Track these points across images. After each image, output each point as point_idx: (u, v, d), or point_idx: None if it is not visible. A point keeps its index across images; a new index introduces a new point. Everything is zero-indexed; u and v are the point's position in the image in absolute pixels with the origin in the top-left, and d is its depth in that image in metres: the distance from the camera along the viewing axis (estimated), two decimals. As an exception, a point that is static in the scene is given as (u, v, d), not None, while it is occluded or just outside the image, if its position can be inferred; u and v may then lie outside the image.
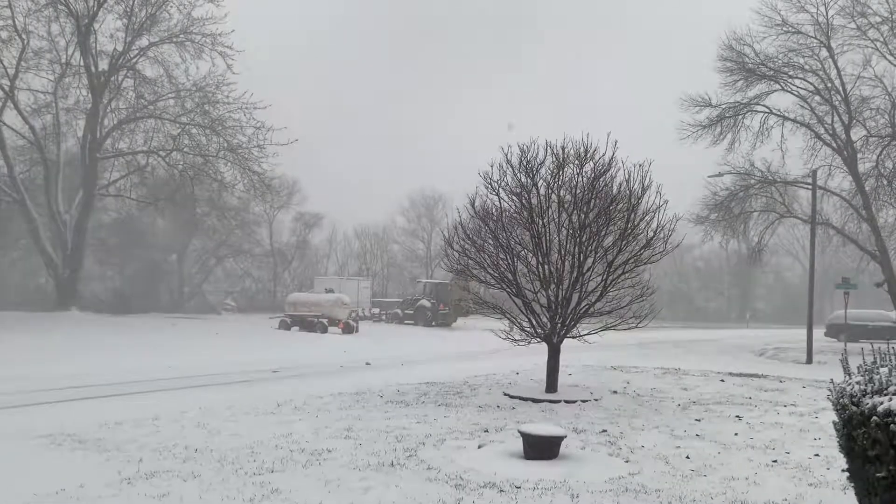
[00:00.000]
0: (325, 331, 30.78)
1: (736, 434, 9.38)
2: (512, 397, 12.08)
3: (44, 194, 34.68)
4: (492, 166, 12.51)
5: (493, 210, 12.61)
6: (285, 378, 15.16)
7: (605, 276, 12.31)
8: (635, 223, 12.14)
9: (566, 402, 11.67)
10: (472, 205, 12.77)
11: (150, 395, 12.13)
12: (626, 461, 7.62)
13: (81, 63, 34.38)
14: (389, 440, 8.34)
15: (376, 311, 46.43)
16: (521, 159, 12.36)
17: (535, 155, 12.27)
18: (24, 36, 32.50)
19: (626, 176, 12.15)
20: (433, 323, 40.50)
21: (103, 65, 34.81)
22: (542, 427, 7.77)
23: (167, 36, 34.87)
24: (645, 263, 12.51)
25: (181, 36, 34.60)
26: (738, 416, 10.84)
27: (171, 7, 34.34)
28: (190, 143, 36.31)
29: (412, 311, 41.90)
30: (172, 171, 37.20)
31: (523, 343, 12.91)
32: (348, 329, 31.52)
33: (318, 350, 23.17)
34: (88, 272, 41.41)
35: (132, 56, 34.98)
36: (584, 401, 11.83)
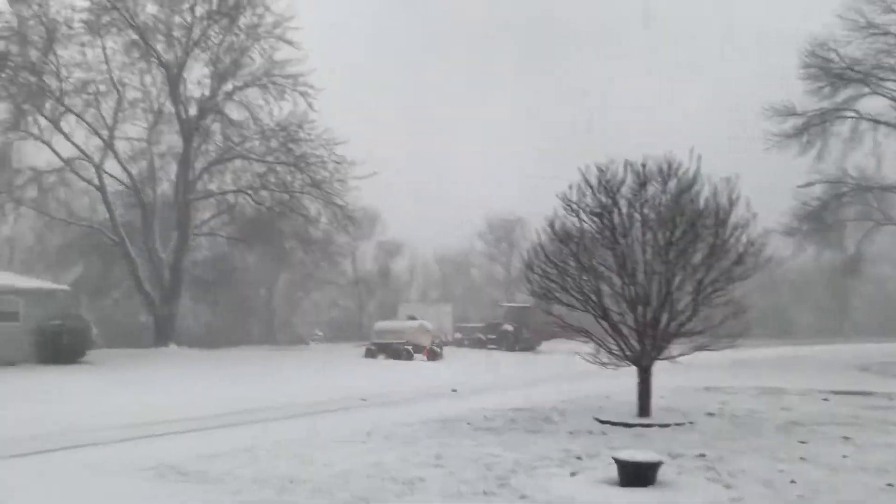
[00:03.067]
0: (410, 358, 30.98)
1: (845, 456, 8.85)
2: (603, 422, 11.81)
3: (142, 236, 36.58)
4: (570, 187, 12.41)
5: (574, 231, 12.48)
6: (373, 406, 15.32)
7: (694, 295, 11.95)
8: (724, 239, 11.76)
9: (660, 426, 11.32)
10: (552, 227, 12.68)
11: (245, 426, 12.46)
12: (727, 487, 7.30)
13: (172, 110, 36.42)
14: (480, 468, 8.28)
15: (459, 336, 46.42)
16: (599, 179, 12.21)
17: (614, 174, 12.11)
18: (120, 88, 34.79)
19: (713, 190, 11.82)
20: (516, 347, 40.16)
21: (192, 110, 36.73)
22: (638, 453, 7.56)
23: (251, 80, 36.52)
24: (737, 280, 12.08)
25: (264, 79, 36.19)
26: (845, 437, 10.24)
27: (254, 52, 36.07)
28: (276, 180, 37.69)
29: (495, 336, 41.70)
30: (260, 209, 38.59)
31: (612, 366, 12.64)
32: (433, 355, 31.62)
33: (404, 377, 23.33)
34: (184, 309, 43.24)
35: (219, 100, 36.76)
36: (678, 424, 11.45)
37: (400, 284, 69.50)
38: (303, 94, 35.61)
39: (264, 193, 38.13)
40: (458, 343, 44.96)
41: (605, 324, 12.45)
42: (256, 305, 54.53)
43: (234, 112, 37.93)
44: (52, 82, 32.81)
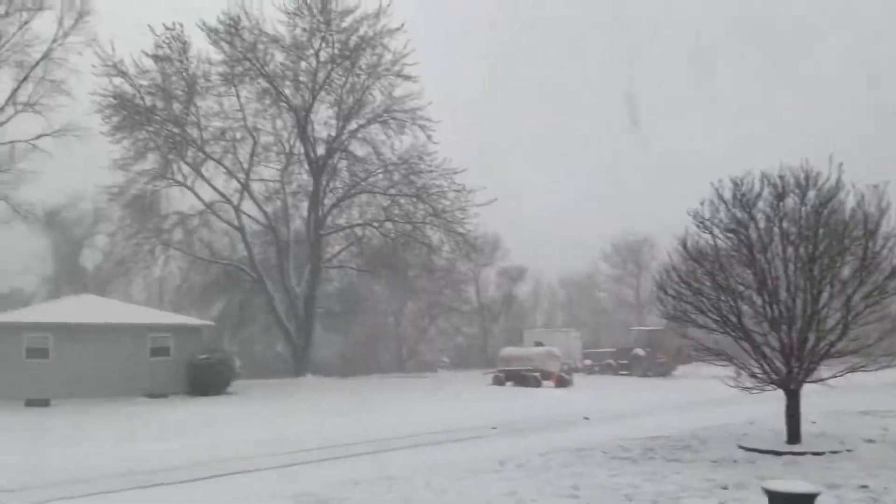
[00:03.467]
0: (538, 385, 30.60)
1: None
2: (749, 450, 11.11)
3: (278, 271, 38.52)
4: (702, 203, 11.90)
5: (708, 249, 11.94)
6: (504, 435, 15.20)
7: (844, 312, 11.07)
8: (876, 250, 10.86)
9: (813, 453, 10.50)
10: (684, 246, 12.19)
11: (380, 454, 12.70)
12: (898, 523, 6.65)
13: (302, 151, 38.46)
14: (619, 499, 7.99)
15: (588, 362, 45.42)
16: (734, 193, 11.65)
17: (749, 187, 11.51)
18: (254, 133, 37.22)
19: (859, 199, 10.97)
20: (649, 372, 38.75)
21: (320, 150, 38.61)
22: (791, 483, 7.03)
23: (373, 117, 37.97)
24: (892, 294, 11.09)
25: (385, 115, 37.51)
26: None
27: (374, 90, 37.50)
28: (399, 212, 38.79)
29: (626, 361, 40.49)
30: (385, 240, 39.74)
31: (755, 390, 11.90)
32: (562, 382, 31.07)
33: (533, 405, 23.05)
34: (318, 339, 44.99)
35: (344, 139, 38.42)
36: (833, 452, 10.58)
37: (524, 310, 69.06)
38: (422, 127, 36.67)
39: (389, 225, 39.27)
40: (588, 369, 44.02)
41: (746, 345, 11.76)
42: (385, 334, 55.89)
43: (359, 149, 39.68)
44: (194, 132, 35.53)
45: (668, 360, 37.96)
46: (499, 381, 32.56)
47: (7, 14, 33.59)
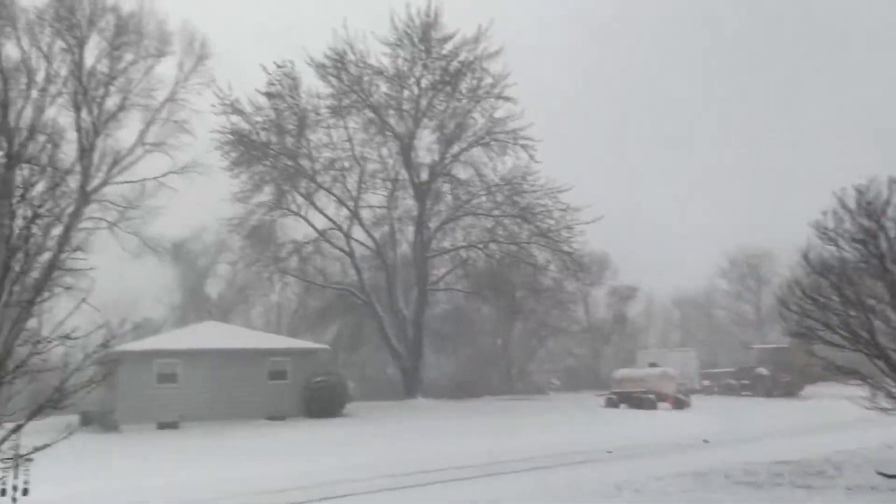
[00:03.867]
0: (653, 407, 29.60)
1: None
2: (889, 476, 10.26)
3: (386, 295, 39.33)
4: (824, 213, 11.22)
5: (833, 262, 11.22)
6: (619, 458, 14.77)
7: None
8: None
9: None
10: (806, 258, 11.51)
11: (494, 477, 12.62)
12: None
13: (406, 177, 39.29)
14: (744, 527, 7.57)
15: (707, 383, 43.54)
16: (859, 201, 10.91)
17: (877, 194, 10.75)
18: (361, 162, 38.47)
19: None
20: (774, 393, 36.67)
21: (424, 175, 39.27)
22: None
23: (474, 140, 38.30)
24: None
25: (486, 137, 37.77)
26: None
27: (475, 113, 37.86)
28: (504, 233, 38.78)
29: (748, 381, 38.55)
30: (491, 261, 39.77)
31: (894, 412, 11.01)
32: (679, 404, 29.89)
33: (649, 428, 22.31)
34: (428, 361, 45.46)
35: (447, 163, 38.93)
36: None
37: (636, 330, 67.10)
38: (523, 146, 36.63)
39: (494, 246, 39.31)
40: (707, 390, 42.25)
41: (881, 364, 10.93)
42: (494, 355, 55.73)
43: (461, 172, 40.10)
44: (306, 163, 37.06)
45: (793, 379, 35.83)
46: (612, 404, 31.76)
47: (135, 61, 36.50)
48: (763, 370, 37.86)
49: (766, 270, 60.96)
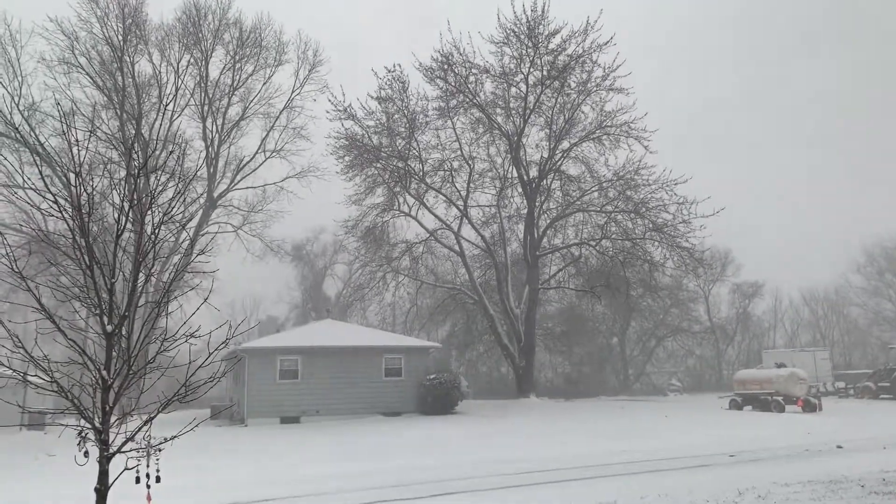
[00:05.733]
0: (781, 410, 28.02)
1: None
2: None
3: (496, 293, 39.32)
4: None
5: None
6: (743, 463, 14.05)
7: None
8: None
9: None
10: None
11: (611, 479, 12.33)
12: None
13: (515, 175, 39.07)
14: (882, 541, 7.01)
15: (840, 384, 40.83)
16: None
17: None
18: (470, 162, 38.59)
19: None
20: (920, 396, 33.89)
21: (533, 172, 38.91)
22: None
23: (584, 135, 37.51)
24: None
25: (597, 132, 36.89)
26: None
27: (585, 107, 37.08)
28: (617, 229, 37.77)
29: (888, 383, 35.75)
30: (604, 258, 38.88)
31: None
32: (809, 407, 28.12)
33: (775, 431, 21.10)
34: (541, 360, 45.11)
35: (556, 159, 38.37)
36: None
37: (762, 329, 63.84)
38: (637, 138, 35.49)
39: (606, 243, 38.38)
40: (841, 392, 39.63)
41: None
42: (609, 355, 54.62)
43: (571, 168, 39.44)
44: (416, 165, 37.62)
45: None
46: (736, 406, 30.38)
47: (255, 71, 38.49)
48: (905, 372, 35.01)
49: (907, 264, 56.50)
